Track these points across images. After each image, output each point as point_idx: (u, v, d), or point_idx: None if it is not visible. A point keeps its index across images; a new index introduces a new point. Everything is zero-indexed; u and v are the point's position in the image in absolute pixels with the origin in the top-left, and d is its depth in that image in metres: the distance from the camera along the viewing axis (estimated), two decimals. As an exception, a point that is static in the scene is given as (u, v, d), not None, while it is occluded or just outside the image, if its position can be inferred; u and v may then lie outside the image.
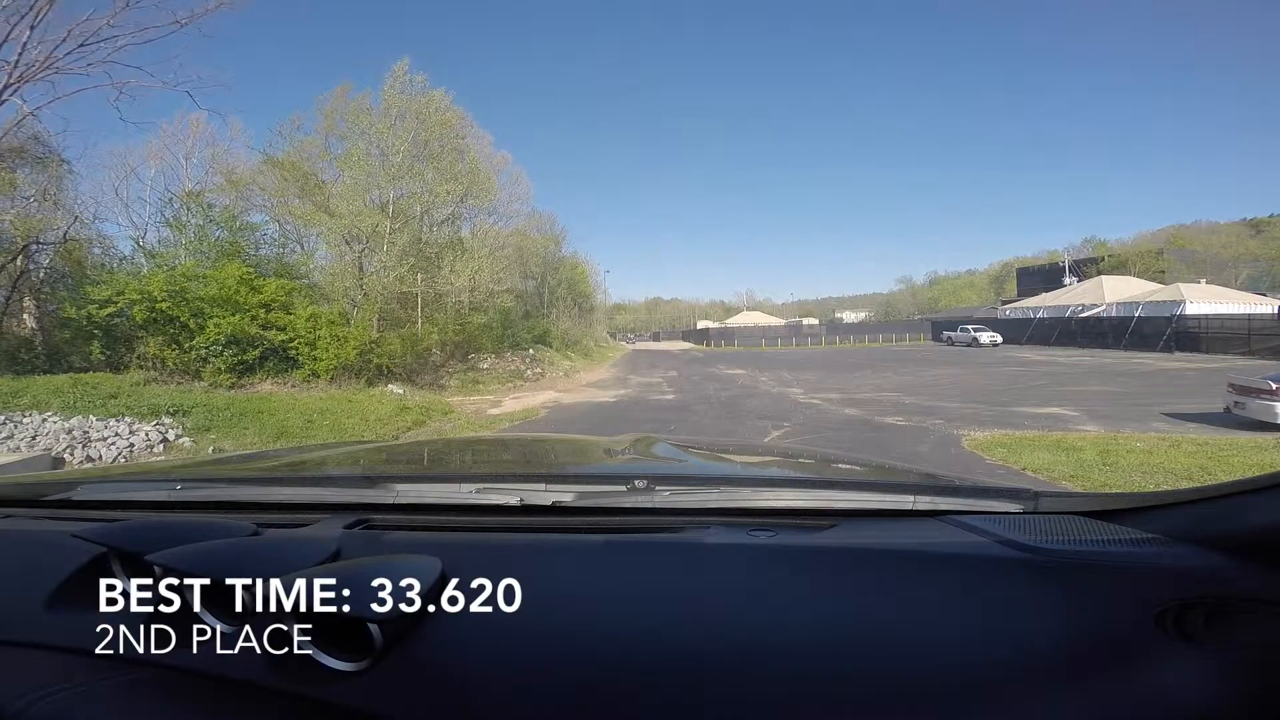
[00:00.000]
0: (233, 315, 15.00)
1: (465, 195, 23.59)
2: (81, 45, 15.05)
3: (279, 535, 0.91)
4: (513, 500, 1.01)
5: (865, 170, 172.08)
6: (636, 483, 1.04)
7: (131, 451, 9.94)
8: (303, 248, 22.28)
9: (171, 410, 11.74)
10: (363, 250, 19.22)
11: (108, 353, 14.92)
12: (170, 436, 10.64)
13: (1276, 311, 25.90)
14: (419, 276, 20.65)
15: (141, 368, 14.59)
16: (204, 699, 0.68)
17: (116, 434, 10.29)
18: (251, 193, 22.74)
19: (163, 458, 9.72)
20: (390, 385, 16.30)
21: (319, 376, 15.66)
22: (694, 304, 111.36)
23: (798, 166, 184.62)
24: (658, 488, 1.03)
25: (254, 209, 21.95)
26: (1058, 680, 0.65)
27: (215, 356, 14.92)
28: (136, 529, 0.86)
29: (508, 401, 16.51)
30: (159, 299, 14.55)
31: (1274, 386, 8.92)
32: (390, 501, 1.06)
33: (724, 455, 2.10)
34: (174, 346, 14.95)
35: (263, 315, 15.72)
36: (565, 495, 1.02)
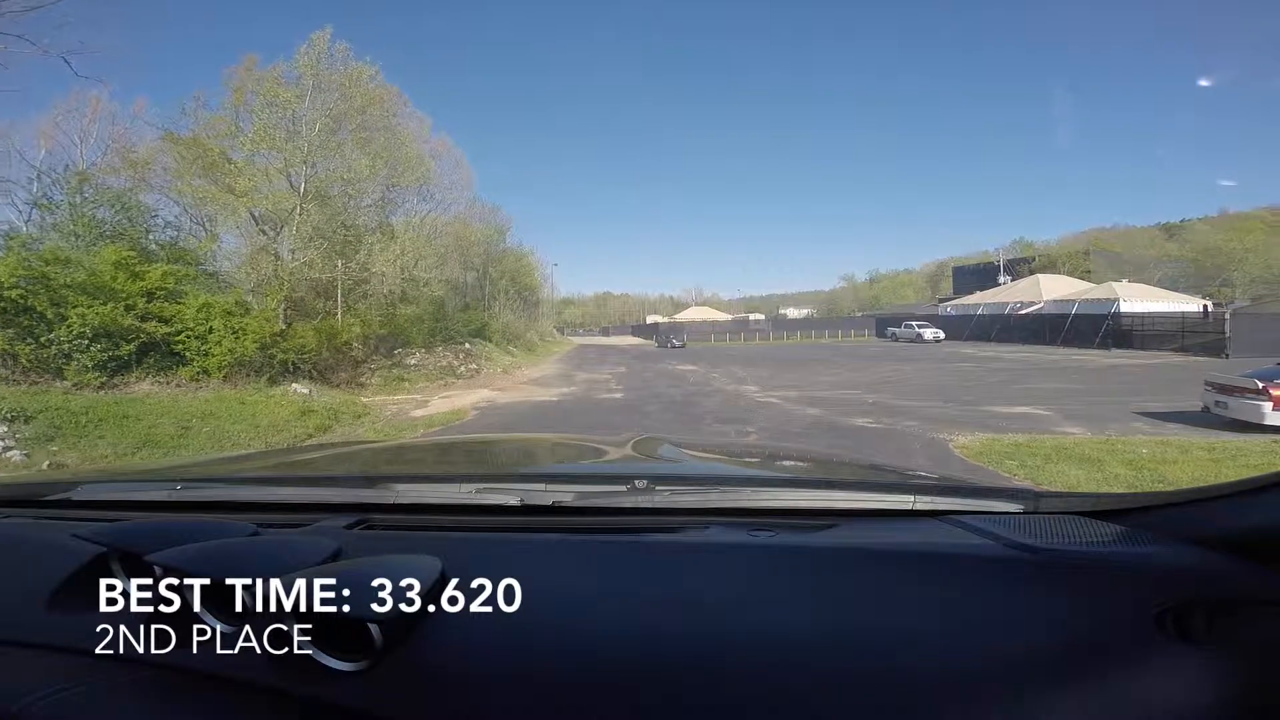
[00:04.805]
0: (103, 305, 12.74)
1: (394, 175, 21.53)
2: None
3: (279, 535, 0.88)
4: (513, 500, 0.99)
5: (807, 170, 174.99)
6: (636, 483, 1.02)
7: (-63, 470, 7.89)
8: (206, 230, 19.81)
9: (10, 416, 9.61)
10: (274, 233, 17.04)
11: (-60, 348, 12.36)
12: (-5, 449, 8.58)
13: (1202, 310, 26.93)
14: (339, 263, 18.57)
15: (-14, 365, 12.14)
16: (204, 699, 0.67)
17: (-80, 448, 8.19)
18: (153, 173, 20.11)
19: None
20: (296, 384, 14.29)
21: (210, 374, 13.55)
22: (643, 299, 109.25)
23: (744, 166, 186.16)
24: (658, 488, 1.01)
25: (152, 190, 19.33)
26: (1058, 681, 0.63)
27: (80, 352, 12.61)
28: (136, 529, 0.84)
29: (436, 401, 14.83)
30: (7, 285, 12.16)
31: (1260, 385, 8.38)
32: (390, 501, 1.05)
33: (724, 455, 2.06)
34: (29, 341, 12.56)
35: (143, 305, 13.50)
36: (565, 495, 1.01)
